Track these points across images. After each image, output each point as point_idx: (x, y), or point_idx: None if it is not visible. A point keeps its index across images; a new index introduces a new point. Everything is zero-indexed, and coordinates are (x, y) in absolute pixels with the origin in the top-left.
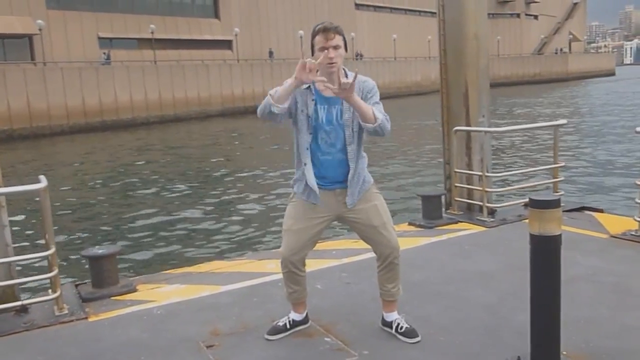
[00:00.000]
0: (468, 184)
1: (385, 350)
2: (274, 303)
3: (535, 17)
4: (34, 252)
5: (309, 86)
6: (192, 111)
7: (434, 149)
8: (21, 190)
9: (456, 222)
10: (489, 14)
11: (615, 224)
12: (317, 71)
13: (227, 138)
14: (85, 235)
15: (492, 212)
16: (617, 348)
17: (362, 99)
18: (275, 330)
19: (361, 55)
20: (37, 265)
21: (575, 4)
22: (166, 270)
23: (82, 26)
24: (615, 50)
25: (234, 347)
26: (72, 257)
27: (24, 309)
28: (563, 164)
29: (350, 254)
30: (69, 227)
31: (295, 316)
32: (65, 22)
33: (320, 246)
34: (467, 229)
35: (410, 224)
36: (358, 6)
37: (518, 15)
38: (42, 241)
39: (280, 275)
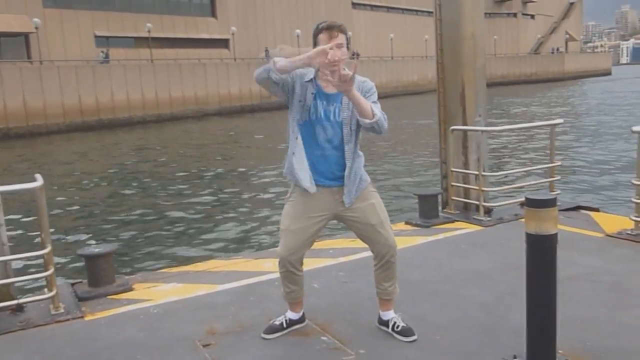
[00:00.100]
0: (465, 183)
1: (381, 349)
2: (271, 302)
3: (532, 16)
4: (30, 251)
5: (311, 79)
6: (189, 110)
7: (430, 148)
8: (17, 188)
9: (453, 221)
10: (485, 13)
11: (611, 223)
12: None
13: (224, 137)
14: (82, 234)
15: (488, 211)
16: (613, 347)
17: None
18: (272, 329)
19: (358, 55)
20: (33, 264)
21: (572, 3)
22: (163, 269)
23: (78, 25)
24: (611, 49)
25: (231, 346)
26: (68, 256)
27: (19, 308)
28: (559, 163)
29: (346, 253)
30: (65, 225)
31: (291, 315)
32: (62, 20)
33: (317, 245)
34: (463, 228)
35: (407, 223)
36: (355, 5)
37: (515, 15)
38: (38, 240)
39: (277, 274)
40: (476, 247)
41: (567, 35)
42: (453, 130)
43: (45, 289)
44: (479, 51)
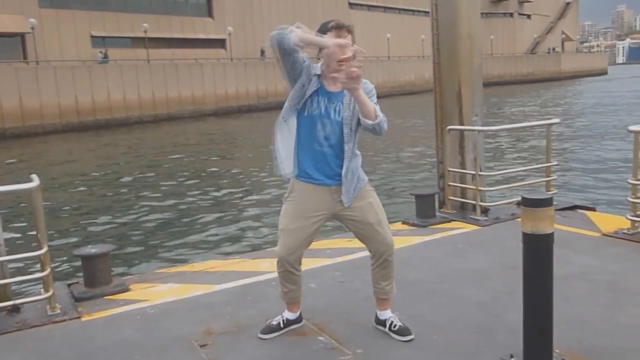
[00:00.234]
0: (461, 183)
1: (378, 348)
2: (268, 302)
3: (528, 16)
4: (26, 252)
5: (317, 75)
6: (186, 110)
7: (427, 148)
8: (13, 189)
9: (449, 221)
10: (482, 13)
11: (607, 222)
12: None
13: (221, 137)
14: (78, 234)
15: (485, 211)
16: (610, 346)
17: None
18: (269, 329)
19: (354, 55)
20: (29, 264)
21: (568, 3)
22: (159, 269)
23: (75, 25)
24: (607, 49)
25: (228, 346)
26: (65, 256)
27: (16, 309)
28: (556, 162)
29: (344, 253)
30: (61, 226)
31: (289, 315)
32: (58, 20)
33: (314, 245)
34: (460, 228)
35: (404, 222)
36: (352, 5)
37: (511, 15)
38: (35, 240)
39: (274, 274)
40: (473, 246)
41: (564, 35)
42: (450, 130)
43: (42, 290)
44: (475, 51)
